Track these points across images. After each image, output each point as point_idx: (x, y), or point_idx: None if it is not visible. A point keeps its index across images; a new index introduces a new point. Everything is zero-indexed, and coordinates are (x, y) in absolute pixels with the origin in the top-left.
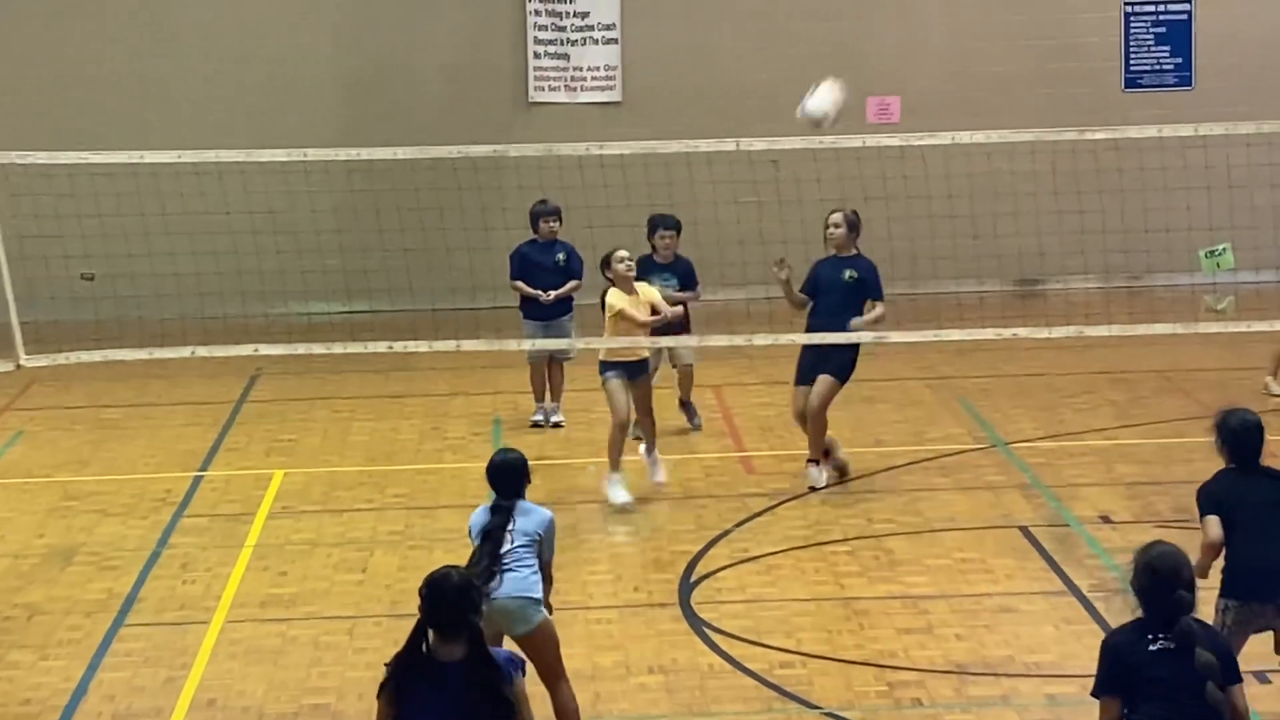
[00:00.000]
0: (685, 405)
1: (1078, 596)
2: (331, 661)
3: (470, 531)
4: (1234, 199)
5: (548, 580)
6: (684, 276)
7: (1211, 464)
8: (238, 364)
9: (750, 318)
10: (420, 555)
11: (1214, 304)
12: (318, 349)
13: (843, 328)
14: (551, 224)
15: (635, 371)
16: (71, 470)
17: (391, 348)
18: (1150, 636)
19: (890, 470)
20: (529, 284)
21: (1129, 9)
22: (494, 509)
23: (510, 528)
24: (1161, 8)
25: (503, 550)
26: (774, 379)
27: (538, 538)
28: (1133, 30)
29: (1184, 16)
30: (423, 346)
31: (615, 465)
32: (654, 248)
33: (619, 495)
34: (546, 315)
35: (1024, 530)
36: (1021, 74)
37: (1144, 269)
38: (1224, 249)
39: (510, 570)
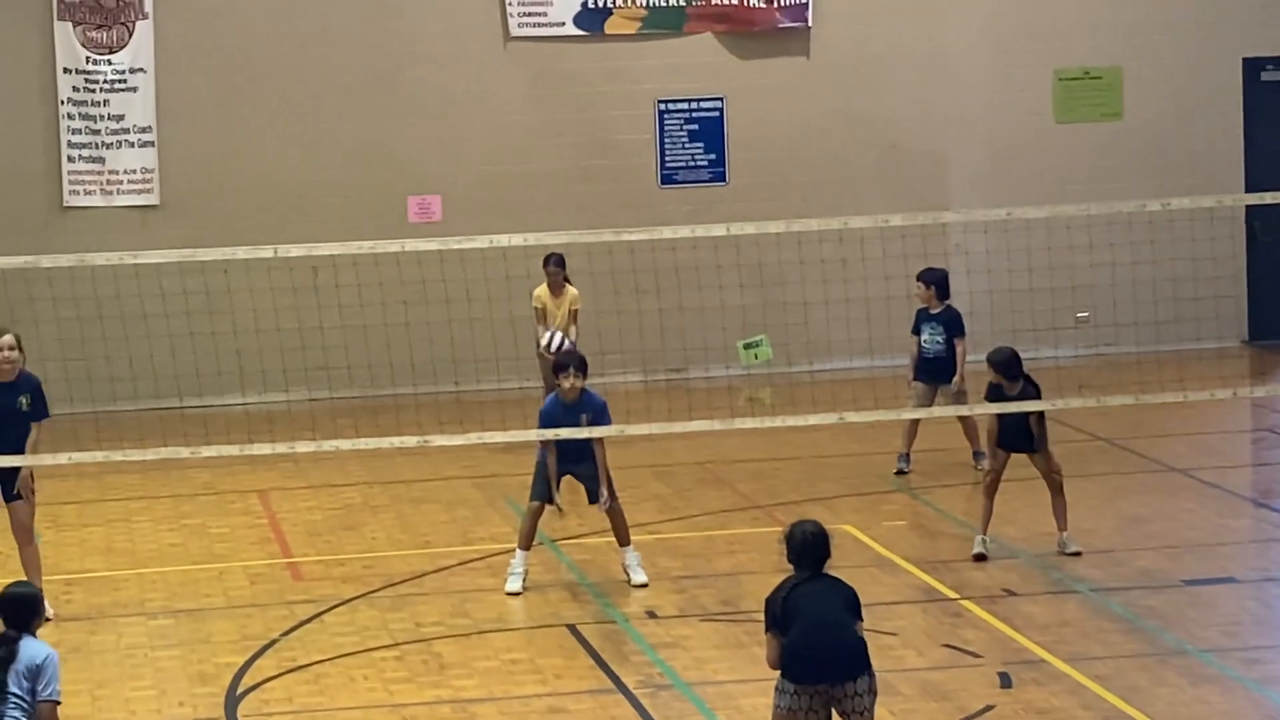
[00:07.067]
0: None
1: (624, 694)
2: None
3: None
4: (767, 295)
5: None
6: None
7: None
8: None
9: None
10: None
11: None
12: None
13: None
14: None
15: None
16: None
17: None
18: None
19: (439, 572)
20: None
21: (662, 107)
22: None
23: (14, 665)
24: (695, 104)
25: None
26: (321, 483)
27: (33, 677)
28: (667, 127)
29: (715, 114)
30: None
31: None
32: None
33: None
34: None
35: (572, 628)
36: (560, 171)
37: (683, 363)
38: (760, 340)
39: (5, 715)
